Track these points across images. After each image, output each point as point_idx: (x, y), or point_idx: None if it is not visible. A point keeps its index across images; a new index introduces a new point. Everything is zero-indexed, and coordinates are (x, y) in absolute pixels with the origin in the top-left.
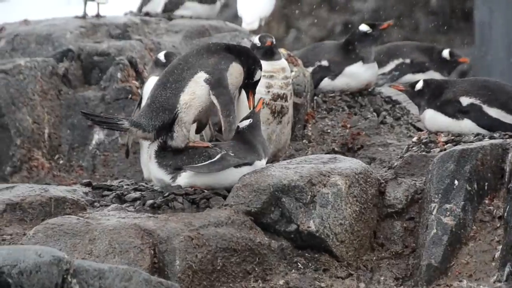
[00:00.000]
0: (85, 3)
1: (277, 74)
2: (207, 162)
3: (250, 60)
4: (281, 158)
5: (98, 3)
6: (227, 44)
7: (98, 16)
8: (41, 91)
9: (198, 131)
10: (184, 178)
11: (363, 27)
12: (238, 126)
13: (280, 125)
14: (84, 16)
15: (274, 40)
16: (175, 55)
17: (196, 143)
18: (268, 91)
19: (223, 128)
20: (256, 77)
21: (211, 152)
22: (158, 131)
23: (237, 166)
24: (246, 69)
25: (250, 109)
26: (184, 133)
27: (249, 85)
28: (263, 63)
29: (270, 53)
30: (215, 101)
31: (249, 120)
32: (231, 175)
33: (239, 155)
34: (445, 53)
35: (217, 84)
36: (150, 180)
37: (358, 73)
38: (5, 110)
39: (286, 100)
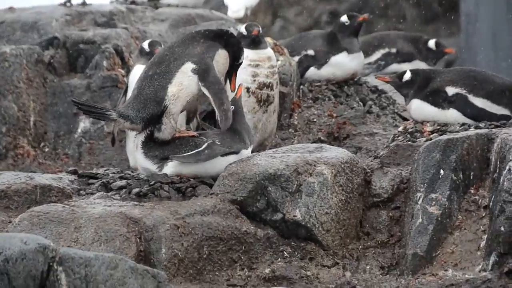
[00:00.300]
0: None
1: (263, 63)
2: (193, 152)
3: (234, 44)
4: (268, 147)
5: None
6: (211, 30)
7: (84, 3)
8: (27, 79)
9: (188, 121)
10: (171, 167)
11: (343, 18)
12: None
13: (266, 114)
14: (66, 3)
15: (260, 29)
16: (159, 44)
17: (181, 132)
18: (254, 80)
19: (219, 119)
20: (241, 60)
21: (197, 141)
22: (146, 123)
23: (223, 155)
24: (231, 54)
25: (232, 91)
26: (172, 125)
27: (233, 67)
28: (249, 52)
29: (256, 42)
30: (206, 92)
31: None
32: (218, 164)
33: (225, 144)
34: (431, 43)
35: (205, 74)
36: (136, 169)
37: (343, 63)
38: None
39: (272, 89)
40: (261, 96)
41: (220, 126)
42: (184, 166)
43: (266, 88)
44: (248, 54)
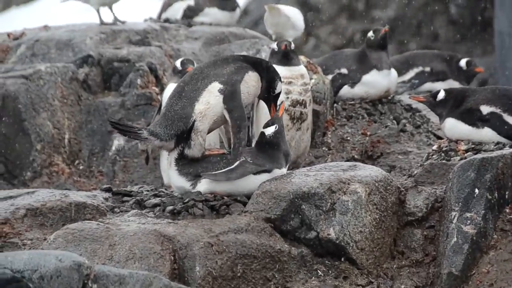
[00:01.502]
0: (98, 11)
1: (295, 80)
2: (225, 170)
3: (269, 72)
4: (301, 165)
5: (111, 8)
6: (245, 56)
7: (115, 21)
8: (61, 97)
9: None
10: (204, 185)
11: (369, 34)
12: (263, 133)
13: (299, 132)
14: (102, 23)
15: (290, 44)
16: (191, 63)
17: (212, 150)
18: (287, 97)
19: (232, 144)
20: (277, 90)
21: (230, 160)
22: (177, 140)
23: (256, 173)
24: (265, 80)
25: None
26: (200, 142)
27: (270, 98)
28: (282, 69)
29: (287, 58)
30: (226, 115)
31: (274, 126)
32: (251, 182)
33: (257, 162)
34: (462, 62)
35: (229, 97)
36: (170, 186)
37: (375, 81)
38: (26, 115)
39: (305, 107)
40: (294, 113)
41: (232, 153)
42: (217, 184)
43: (299, 105)
44: (281, 71)
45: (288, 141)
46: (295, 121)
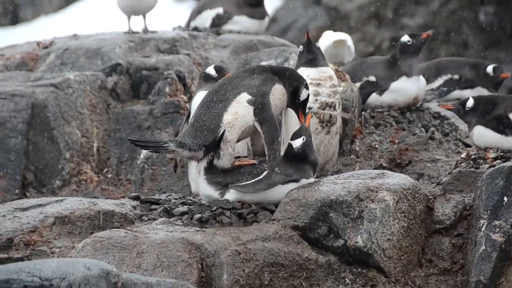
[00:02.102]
0: (129, 19)
1: (324, 82)
2: (252, 181)
3: (293, 79)
4: (329, 172)
5: (144, 17)
6: (271, 66)
7: (146, 30)
8: (90, 105)
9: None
10: (232, 194)
11: (404, 38)
12: (291, 145)
13: (329, 136)
14: (130, 32)
15: (315, 42)
16: (225, 70)
17: (241, 161)
18: (316, 99)
19: (266, 156)
20: (303, 96)
21: (258, 170)
22: (206, 149)
23: (284, 182)
24: (290, 90)
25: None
26: (230, 152)
27: (298, 105)
28: (310, 70)
29: (313, 59)
30: (258, 128)
31: (302, 138)
32: (278, 192)
33: (285, 172)
34: (489, 68)
35: (260, 109)
36: (198, 194)
37: (404, 88)
38: (55, 123)
39: (334, 109)
40: (324, 116)
41: (267, 165)
42: (245, 194)
43: (328, 108)
44: (309, 73)
45: (317, 145)
46: (324, 125)
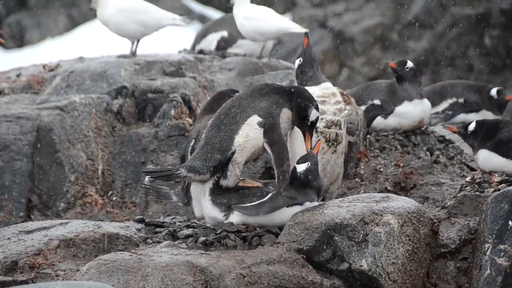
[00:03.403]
0: (133, 43)
1: (328, 99)
2: (256, 203)
3: (303, 100)
4: (334, 194)
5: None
6: (280, 86)
7: (132, 54)
8: (96, 128)
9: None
10: (236, 216)
11: (394, 65)
12: (295, 168)
13: (335, 155)
14: (131, 55)
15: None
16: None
17: (246, 182)
18: (322, 118)
19: (276, 177)
20: (312, 117)
21: (263, 192)
22: (213, 171)
23: (288, 205)
24: (298, 110)
25: (307, 151)
26: (237, 173)
27: (306, 126)
28: (313, 88)
29: (314, 75)
30: (268, 149)
31: (306, 164)
32: (282, 214)
33: (289, 195)
34: (493, 91)
35: (270, 131)
36: (201, 218)
37: (407, 112)
38: (60, 146)
39: (340, 128)
40: (330, 135)
41: (277, 186)
42: (249, 216)
43: (334, 126)
44: (313, 91)
45: (323, 165)
46: (330, 144)
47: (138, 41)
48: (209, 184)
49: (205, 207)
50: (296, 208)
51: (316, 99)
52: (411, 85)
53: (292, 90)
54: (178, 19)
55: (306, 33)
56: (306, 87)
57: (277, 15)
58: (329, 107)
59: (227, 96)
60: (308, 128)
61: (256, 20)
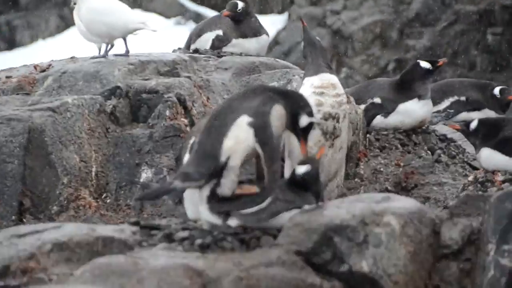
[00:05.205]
0: (125, 41)
1: (327, 90)
2: (255, 209)
3: (295, 105)
4: (334, 194)
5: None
6: (274, 87)
7: (105, 54)
8: (89, 129)
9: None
10: (235, 221)
11: (425, 64)
12: (294, 170)
13: (332, 149)
14: (126, 54)
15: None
16: None
17: (243, 189)
18: (319, 110)
19: (265, 178)
20: (301, 124)
21: (261, 197)
22: (207, 178)
23: (287, 210)
24: (290, 114)
25: (300, 158)
26: (232, 179)
27: (298, 131)
28: (313, 78)
29: (316, 64)
30: (258, 149)
31: (306, 167)
32: (282, 218)
33: (287, 198)
34: (496, 90)
35: (261, 130)
36: (196, 221)
37: (413, 110)
38: (52, 148)
39: (338, 121)
40: (327, 127)
41: (266, 187)
42: (248, 223)
43: (332, 119)
44: (312, 82)
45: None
46: (327, 136)
47: (109, 45)
48: (206, 191)
49: (202, 214)
50: (295, 212)
51: (314, 89)
52: (428, 85)
53: (286, 92)
54: (149, 23)
55: (300, 18)
56: (307, 78)
57: (129, 9)
58: (328, 99)
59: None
60: (300, 133)
61: (106, 15)
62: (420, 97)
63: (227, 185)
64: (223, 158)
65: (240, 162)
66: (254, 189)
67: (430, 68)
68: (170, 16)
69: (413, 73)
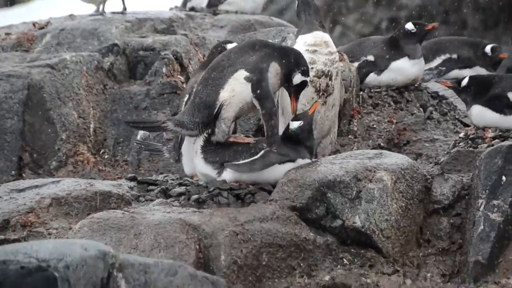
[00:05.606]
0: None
1: (319, 48)
2: (248, 160)
3: (291, 62)
4: (327, 149)
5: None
6: (273, 44)
7: (101, 12)
8: (87, 86)
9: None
10: (229, 174)
11: (409, 26)
12: (288, 125)
13: (325, 107)
14: (123, 12)
15: None
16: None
17: (237, 138)
18: (312, 68)
19: (265, 133)
20: (295, 81)
21: (255, 149)
22: (202, 127)
23: (280, 162)
24: (285, 71)
25: (292, 114)
26: (224, 129)
27: (290, 88)
28: (306, 36)
29: (309, 22)
30: (256, 104)
31: (299, 122)
32: (275, 171)
33: (281, 152)
34: (488, 48)
35: (258, 86)
36: (192, 176)
37: (404, 68)
38: (51, 104)
39: (330, 79)
40: (320, 84)
41: (265, 141)
42: (242, 173)
43: (324, 77)
44: (305, 40)
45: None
46: (320, 93)
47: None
48: (200, 142)
49: (197, 165)
50: (288, 165)
51: (307, 47)
52: (416, 45)
53: (285, 49)
54: None
55: None
56: (300, 36)
57: None
58: (320, 57)
59: (222, 49)
60: (292, 90)
61: None
62: (409, 56)
63: (219, 134)
64: (217, 109)
65: (233, 114)
66: (248, 139)
67: (413, 31)
68: None
69: (400, 34)
